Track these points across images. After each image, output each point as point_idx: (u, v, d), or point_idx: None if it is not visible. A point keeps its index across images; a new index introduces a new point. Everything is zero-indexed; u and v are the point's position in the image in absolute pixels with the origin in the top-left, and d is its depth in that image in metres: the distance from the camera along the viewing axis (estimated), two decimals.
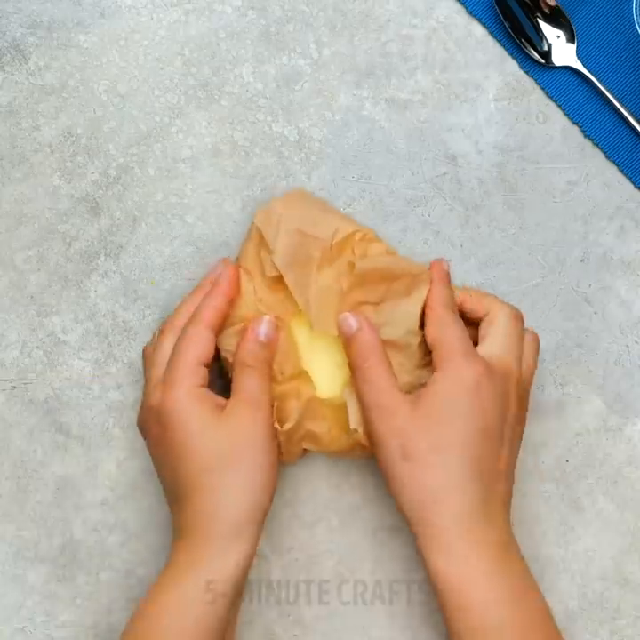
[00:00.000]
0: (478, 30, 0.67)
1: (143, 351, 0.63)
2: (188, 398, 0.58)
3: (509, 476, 0.58)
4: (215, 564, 0.56)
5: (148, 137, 0.67)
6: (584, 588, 0.65)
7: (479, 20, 0.67)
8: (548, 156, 0.67)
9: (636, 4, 0.65)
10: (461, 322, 0.59)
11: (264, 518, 0.57)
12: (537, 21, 0.67)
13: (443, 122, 0.67)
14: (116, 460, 0.65)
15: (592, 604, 0.65)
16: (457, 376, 0.57)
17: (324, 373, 0.62)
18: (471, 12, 0.67)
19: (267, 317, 0.60)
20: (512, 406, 0.58)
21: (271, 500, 0.58)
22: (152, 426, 0.59)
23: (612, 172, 0.67)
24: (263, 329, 0.60)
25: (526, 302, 0.66)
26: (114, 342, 0.66)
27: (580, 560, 0.65)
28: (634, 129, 0.66)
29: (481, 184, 0.67)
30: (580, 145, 0.67)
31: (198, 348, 0.59)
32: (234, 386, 0.59)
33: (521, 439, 0.60)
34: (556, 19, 0.67)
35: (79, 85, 0.67)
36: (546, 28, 0.67)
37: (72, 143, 0.67)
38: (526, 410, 0.60)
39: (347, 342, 0.59)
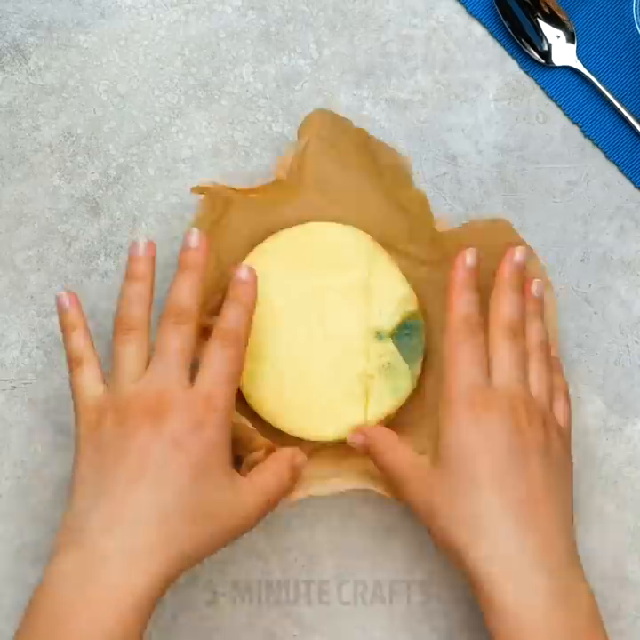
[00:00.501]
0: (478, 30, 0.67)
1: (120, 323, 0.58)
2: (224, 448, 0.55)
3: (552, 500, 0.57)
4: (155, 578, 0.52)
5: (148, 137, 0.67)
6: None
7: (479, 20, 0.67)
8: (548, 156, 0.67)
9: (636, 4, 0.65)
10: (475, 344, 0.58)
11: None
12: (537, 21, 0.67)
13: (443, 122, 0.67)
14: None
15: None
16: (456, 424, 0.56)
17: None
18: (471, 12, 0.67)
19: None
20: (526, 431, 0.56)
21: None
22: (158, 448, 0.53)
23: (611, 172, 0.67)
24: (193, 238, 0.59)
25: None
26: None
27: (580, 560, 0.65)
28: (634, 129, 0.66)
29: (481, 184, 0.67)
30: (580, 145, 0.67)
31: (238, 382, 0.57)
32: (257, 468, 0.58)
33: (561, 460, 0.59)
34: (556, 19, 0.67)
35: (79, 85, 0.67)
36: (546, 28, 0.67)
37: (72, 143, 0.67)
38: (554, 428, 0.59)
39: (370, 455, 0.60)
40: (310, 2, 0.68)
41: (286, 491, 0.58)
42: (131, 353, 0.57)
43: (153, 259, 0.59)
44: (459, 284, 0.59)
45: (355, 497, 0.65)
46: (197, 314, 0.57)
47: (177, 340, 0.56)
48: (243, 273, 0.59)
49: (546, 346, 0.61)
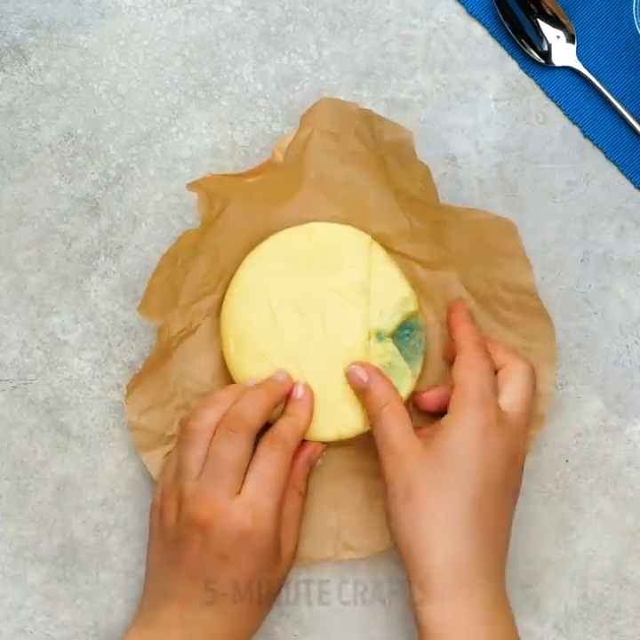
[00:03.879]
0: (478, 30, 0.67)
1: (186, 424, 0.60)
2: (274, 532, 0.57)
3: (507, 531, 0.59)
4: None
5: (148, 137, 0.67)
6: (584, 588, 0.65)
7: (479, 20, 0.67)
8: (547, 156, 0.67)
9: (636, 4, 0.65)
10: (490, 365, 0.59)
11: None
12: (537, 21, 0.67)
13: (443, 122, 0.67)
14: (116, 460, 0.65)
15: (592, 604, 0.65)
16: (468, 423, 0.57)
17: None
18: (471, 12, 0.67)
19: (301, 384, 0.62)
20: (519, 461, 0.59)
21: None
22: (219, 540, 0.57)
23: (611, 172, 0.67)
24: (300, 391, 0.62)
25: None
26: (114, 342, 0.66)
27: (580, 560, 0.65)
28: (634, 129, 0.66)
29: (481, 184, 0.67)
30: (580, 145, 0.67)
31: (285, 475, 0.59)
32: (289, 526, 0.60)
33: (518, 495, 0.60)
34: (556, 19, 0.67)
35: (79, 85, 0.67)
36: (546, 28, 0.67)
37: (72, 143, 0.67)
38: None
39: (360, 394, 0.61)
40: (310, 2, 0.67)
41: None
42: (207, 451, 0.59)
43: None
44: (461, 316, 0.61)
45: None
46: (255, 428, 0.59)
47: (228, 447, 0.58)
48: (299, 391, 0.61)
49: None
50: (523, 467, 0.60)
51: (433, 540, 0.56)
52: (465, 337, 0.60)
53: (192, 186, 0.60)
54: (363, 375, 0.60)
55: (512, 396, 0.59)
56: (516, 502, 0.59)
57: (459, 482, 0.56)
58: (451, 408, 0.58)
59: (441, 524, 0.56)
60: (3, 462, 0.65)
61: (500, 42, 0.67)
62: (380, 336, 0.62)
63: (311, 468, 0.62)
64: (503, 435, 0.57)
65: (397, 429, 0.58)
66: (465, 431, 0.57)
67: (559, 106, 0.67)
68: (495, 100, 0.67)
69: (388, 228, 0.64)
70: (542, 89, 0.67)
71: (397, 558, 0.64)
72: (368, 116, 0.61)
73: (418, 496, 0.56)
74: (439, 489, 0.56)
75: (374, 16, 0.67)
